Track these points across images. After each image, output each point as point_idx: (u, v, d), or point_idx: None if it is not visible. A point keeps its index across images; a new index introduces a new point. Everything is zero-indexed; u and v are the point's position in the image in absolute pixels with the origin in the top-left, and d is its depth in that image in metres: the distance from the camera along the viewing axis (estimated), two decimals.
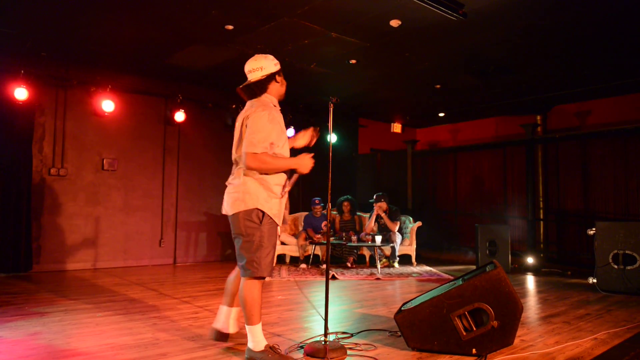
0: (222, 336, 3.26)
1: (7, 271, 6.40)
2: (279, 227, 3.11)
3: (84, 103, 7.15)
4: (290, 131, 8.78)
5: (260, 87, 3.02)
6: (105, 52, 6.49)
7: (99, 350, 3.15)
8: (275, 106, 3.08)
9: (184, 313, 4.29)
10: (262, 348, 2.91)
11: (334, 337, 3.51)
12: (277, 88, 3.07)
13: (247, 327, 2.96)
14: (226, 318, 3.27)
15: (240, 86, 3.07)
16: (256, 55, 3.05)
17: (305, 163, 3.00)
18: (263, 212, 2.93)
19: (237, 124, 3.02)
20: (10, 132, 6.49)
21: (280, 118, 3.04)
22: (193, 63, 6.93)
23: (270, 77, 3.02)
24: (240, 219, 2.92)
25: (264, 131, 2.86)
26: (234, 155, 3.06)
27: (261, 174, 2.93)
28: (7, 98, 6.33)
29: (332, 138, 3.38)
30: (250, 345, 2.95)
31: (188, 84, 8.07)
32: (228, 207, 3.00)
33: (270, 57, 3.05)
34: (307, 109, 9.05)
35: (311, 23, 5.38)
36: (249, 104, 3.04)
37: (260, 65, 3.00)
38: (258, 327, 2.95)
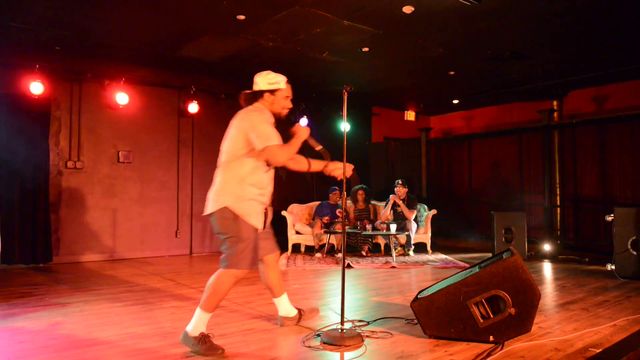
0: (290, 320, 3.53)
1: (27, 263, 6.53)
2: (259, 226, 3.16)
3: (99, 96, 7.20)
4: (304, 121, 8.77)
5: (250, 99, 3.29)
6: (119, 45, 6.53)
7: (119, 339, 3.20)
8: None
9: None
10: (197, 334, 2.94)
11: (351, 325, 3.52)
12: (267, 104, 3.24)
13: (198, 309, 3.02)
14: (284, 305, 3.52)
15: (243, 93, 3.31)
16: (261, 72, 3.28)
17: (303, 130, 3.21)
18: (234, 211, 3.04)
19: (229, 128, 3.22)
20: (27, 126, 6.58)
21: (272, 121, 3.16)
22: (205, 54, 6.93)
23: (258, 94, 3.25)
24: (217, 217, 3.06)
25: (267, 127, 3.06)
26: (219, 156, 3.25)
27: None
28: (23, 92, 6.41)
29: (346, 127, 3.40)
30: (188, 328, 2.98)
31: (201, 76, 8.08)
32: (206, 208, 3.15)
33: (269, 76, 3.24)
34: (319, 98, 9.01)
35: (323, 11, 5.34)
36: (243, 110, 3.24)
37: (256, 81, 3.27)
38: (206, 316, 3.01)
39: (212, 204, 3.09)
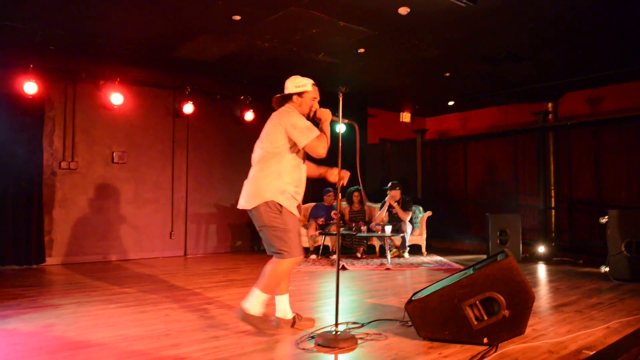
0: (286, 323, 3.50)
1: (20, 264, 6.48)
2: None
3: (93, 96, 7.17)
4: None
5: (281, 102, 3.51)
6: (113, 45, 6.50)
7: (112, 341, 3.18)
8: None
9: (196, 304, 4.32)
10: (257, 314, 3.26)
11: (345, 327, 3.51)
12: (296, 106, 3.44)
13: (256, 289, 3.27)
14: (283, 306, 3.52)
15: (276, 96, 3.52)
16: (290, 77, 3.49)
17: (326, 113, 3.39)
18: (280, 203, 3.26)
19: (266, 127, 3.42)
20: (21, 126, 6.54)
21: (312, 125, 3.37)
22: (201, 54, 6.91)
23: (288, 97, 3.46)
24: (262, 211, 3.25)
25: (306, 123, 3.29)
26: (254, 153, 3.42)
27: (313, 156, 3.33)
28: (17, 92, 6.37)
29: (342, 128, 3.45)
30: (247, 305, 3.25)
31: (196, 76, 8.06)
32: (246, 202, 3.33)
33: (296, 80, 3.45)
34: None
35: (319, 12, 5.33)
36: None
37: (286, 85, 3.48)
38: (265, 297, 3.28)
39: (254, 198, 3.27)
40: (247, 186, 3.36)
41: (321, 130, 3.33)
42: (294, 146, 3.31)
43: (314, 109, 3.47)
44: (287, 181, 3.29)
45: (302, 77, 3.48)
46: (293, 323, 3.51)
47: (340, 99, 3.33)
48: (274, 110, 3.50)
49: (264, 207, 3.24)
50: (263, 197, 3.24)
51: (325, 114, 3.40)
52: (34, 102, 6.58)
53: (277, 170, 3.27)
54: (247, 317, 3.25)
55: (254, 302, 3.26)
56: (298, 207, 3.40)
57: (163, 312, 4.02)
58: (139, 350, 2.98)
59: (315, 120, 3.44)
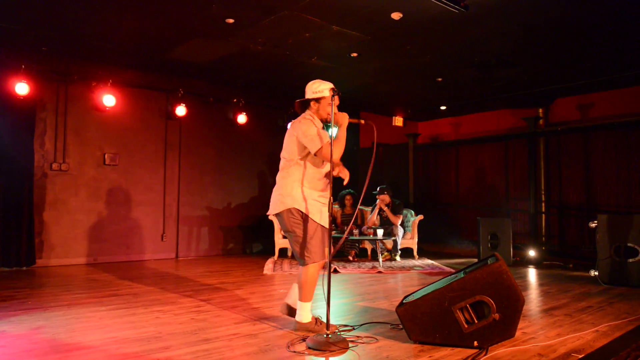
0: (292, 311, 3.62)
1: (10, 266, 6.42)
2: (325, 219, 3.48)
3: (85, 98, 7.14)
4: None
5: (301, 107, 3.64)
6: (106, 47, 6.48)
7: (102, 344, 3.17)
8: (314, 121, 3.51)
9: (187, 307, 4.31)
10: (310, 320, 3.47)
11: (336, 330, 3.52)
12: (314, 111, 3.53)
13: (298, 302, 3.49)
14: (295, 296, 3.61)
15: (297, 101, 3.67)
16: (311, 81, 3.59)
17: (343, 117, 3.41)
18: (301, 210, 3.39)
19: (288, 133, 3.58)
20: (12, 128, 6.49)
21: (322, 132, 3.46)
22: (194, 57, 6.91)
23: (306, 102, 3.56)
24: (284, 217, 3.43)
25: (315, 131, 3.37)
26: (280, 162, 3.57)
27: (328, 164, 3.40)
28: (8, 93, 6.32)
29: (334, 132, 3.51)
30: (298, 318, 3.48)
31: (189, 79, 8.05)
32: (271, 208, 3.51)
33: (314, 85, 3.52)
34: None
35: (312, 16, 5.36)
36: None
37: (305, 91, 3.58)
38: (308, 304, 3.48)
39: (278, 205, 3.43)
40: (273, 193, 3.50)
41: (338, 135, 3.38)
42: (310, 152, 3.39)
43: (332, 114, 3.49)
44: (310, 187, 3.41)
45: (321, 81, 3.53)
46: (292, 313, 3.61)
47: (333, 103, 3.37)
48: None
49: (287, 214, 3.40)
50: (285, 204, 3.39)
51: (342, 119, 3.41)
52: (26, 103, 6.53)
53: (299, 178, 3.40)
54: (302, 327, 3.45)
55: (302, 312, 3.46)
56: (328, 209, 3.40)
57: (154, 314, 4.01)
58: (129, 353, 2.97)
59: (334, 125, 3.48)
